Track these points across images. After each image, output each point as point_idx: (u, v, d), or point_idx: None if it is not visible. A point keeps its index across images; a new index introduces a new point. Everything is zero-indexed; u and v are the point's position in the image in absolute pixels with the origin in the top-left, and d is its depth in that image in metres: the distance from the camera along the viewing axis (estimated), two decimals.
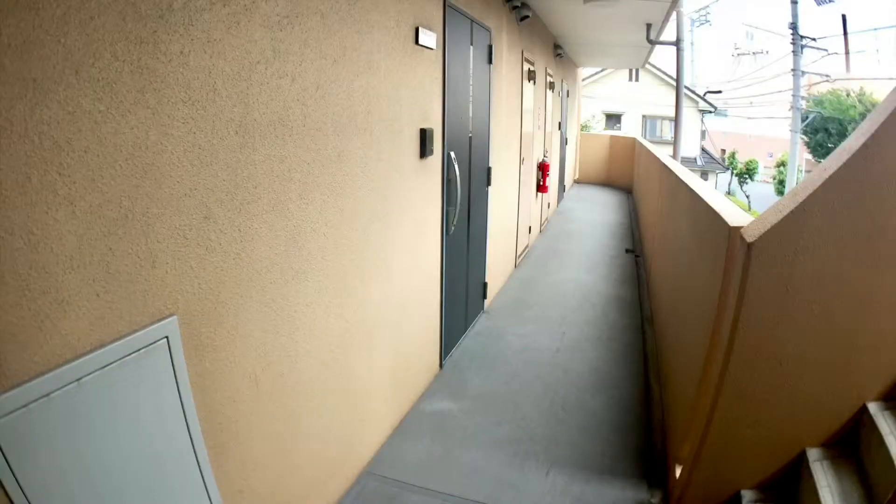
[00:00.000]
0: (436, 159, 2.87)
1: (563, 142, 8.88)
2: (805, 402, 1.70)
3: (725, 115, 28.55)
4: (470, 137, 3.45)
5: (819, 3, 18.09)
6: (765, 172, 25.60)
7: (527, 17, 4.61)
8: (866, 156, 1.49)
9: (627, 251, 6.25)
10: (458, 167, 3.13)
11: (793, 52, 15.56)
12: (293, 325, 1.72)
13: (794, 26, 15.30)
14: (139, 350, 1.15)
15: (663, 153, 6.10)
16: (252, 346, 1.53)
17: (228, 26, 1.33)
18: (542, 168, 6.35)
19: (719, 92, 22.40)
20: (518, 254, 5.50)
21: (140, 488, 1.18)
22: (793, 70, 15.90)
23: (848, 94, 23.27)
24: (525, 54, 5.04)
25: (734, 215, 1.89)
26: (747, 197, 22.69)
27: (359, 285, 2.15)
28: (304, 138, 1.68)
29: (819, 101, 23.40)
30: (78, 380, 1.02)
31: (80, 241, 1.02)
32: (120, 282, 1.10)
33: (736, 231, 1.69)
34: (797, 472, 1.76)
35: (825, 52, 16.62)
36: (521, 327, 3.95)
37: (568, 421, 2.74)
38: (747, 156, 24.39)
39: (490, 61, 3.77)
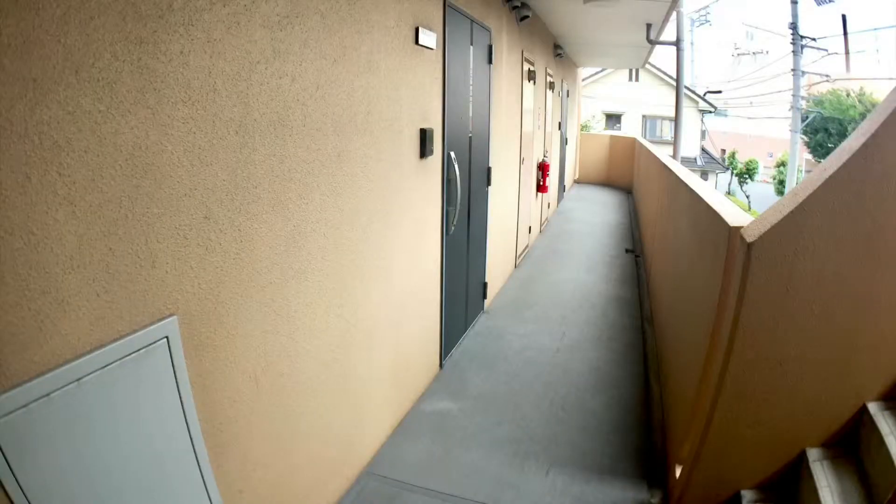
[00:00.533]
0: (436, 159, 2.87)
1: (563, 142, 8.87)
2: (805, 402, 1.70)
3: (725, 115, 28.56)
4: (470, 137, 3.45)
5: (819, 3, 18.10)
6: (765, 172, 25.60)
7: (527, 17, 4.61)
8: (866, 156, 1.49)
9: (627, 251, 6.25)
10: (458, 167, 3.13)
11: (793, 52, 15.56)
12: (293, 325, 1.72)
13: (794, 26, 15.30)
14: (139, 350, 1.15)
15: (663, 153, 6.10)
16: (252, 346, 1.53)
17: (228, 26, 1.33)
18: (542, 168, 6.35)
19: (719, 92, 22.42)
20: (518, 254, 5.50)
21: (140, 488, 1.18)
22: (793, 70, 15.90)
23: (848, 94, 23.27)
24: (525, 54, 5.04)
25: (734, 215, 1.89)
26: (747, 197, 22.69)
27: (359, 285, 2.15)
28: (304, 138, 1.68)
29: (819, 101, 23.40)
30: (78, 380, 1.02)
31: (80, 241, 1.02)
32: (120, 282, 1.10)
33: (736, 231, 1.69)
34: (797, 472, 1.76)
35: (825, 52, 16.62)
36: (521, 327, 3.95)
37: (568, 421, 2.74)
38: (747, 156, 24.39)
39: (490, 61, 3.77)
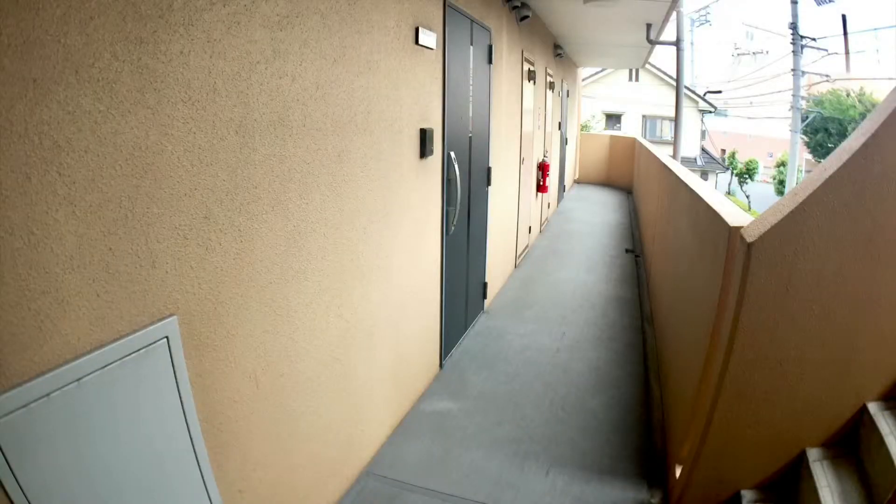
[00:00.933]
0: (436, 159, 2.87)
1: (563, 142, 8.87)
2: (805, 402, 1.70)
3: (725, 115, 28.57)
4: (470, 137, 3.45)
5: (819, 3, 18.10)
6: (765, 172, 25.61)
7: (527, 17, 4.61)
8: (866, 156, 1.49)
9: (627, 251, 6.25)
10: (458, 167, 3.13)
11: (793, 52, 15.56)
12: (293, 325, 1.72)
13: (794, 26, 15.30)
14: (139, 350, 1.15)
15: (663, 153, 6.10)
16: (252, 346, 1.53)
17: (228, 26, 1.33)
18: (542, 168, 6.35)
19: (719, 92, 22.42)
20: (518, 254, 5.50)
21: (140, 488, 1.18)
22: (793, 70, 15.90)
23: (848, 94, 23.27)
24: (525, 54, 5.04)
25: (734, 215, 1.89)
26: (747, 197, 22.69)
27: (359, 285, 2.15)
28: (304, 138, 1.68)
29: (819, 101, 23.40)
30: (78, 380, 1.02)
31: (80, 241, 1.02)
32: (120, 282, 1.10)
33: (736, 231, 1.69)
34: (797, 472, 1.76)
35: (825, 52, 16.62)
36: (521, 327, 3.95)
37: (568, 421, 2.74)
38: (747, 156, 24.39)
39: (490, 61, 3.77)
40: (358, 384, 2.23)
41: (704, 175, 20.69)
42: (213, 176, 1.33)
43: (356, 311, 2.14)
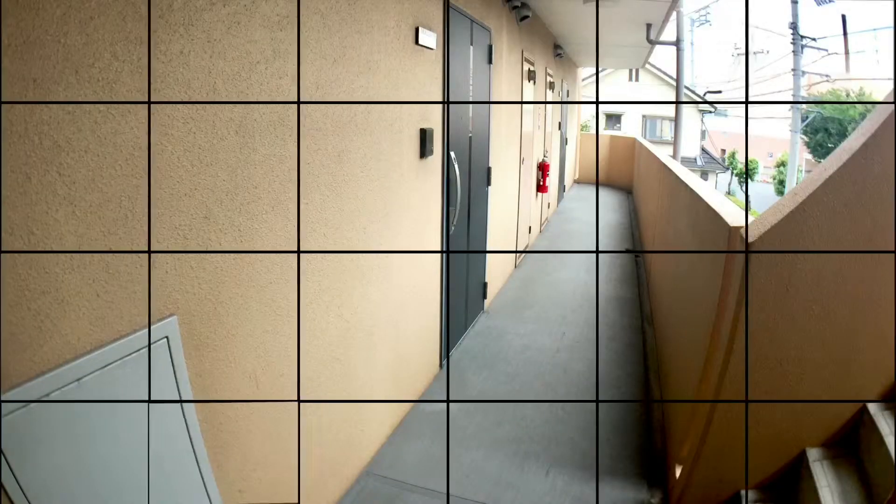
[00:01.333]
0: (436, 159, 2.87)
1: (563, 142, 8.87)
2: None
3: (725, 115, 28.55)
4: (470, 137, 3.45)
5: (819, 3, 18.10)
6: (765, 172, 25.62)
7: (527, 17, 4.62)
8: (866, 156, 1.49)
9: (627, 251, 6.25)
10: (458, 167, 3.13)
11: (793, 52, 15.56)
12: (293, 325, 1.72)
13: (794, 26, 15.30)
14: (139, 350, 1.15)
15: (663, 153, 6.09)
16: (252, 346, 1.53)
17: (228, 26, 1.33)
18: (542, 168, 6.35)
19: (719, 92, 22.43)
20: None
21: (140, 488, 1.18)
22: (793, 70, 15.90)
23: (848, 94, 23.27)
24: (525, 54, 5.04)
25: (734, 215, 1.89)
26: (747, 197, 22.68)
27: (358, 285, 2.15)
28: (305, 138, 1.68)
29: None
30: (78, 380, 1.02)
31: (80, 241, 1.02)
32: (120, 282, 1.10)
33: (736, 231, 1.69)
34: (797, 472, 1.76)
35: (825, 52, 16.62)
36: (521, 327, 3.95)
37: (568, 421, 2.74)
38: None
39: (490, 61, 3.77)
40: (358, 384, 2.23)
41: (704, 175, 20.70)
42: (213, 176, 1.33)
43: (356, 311, 2.14)
